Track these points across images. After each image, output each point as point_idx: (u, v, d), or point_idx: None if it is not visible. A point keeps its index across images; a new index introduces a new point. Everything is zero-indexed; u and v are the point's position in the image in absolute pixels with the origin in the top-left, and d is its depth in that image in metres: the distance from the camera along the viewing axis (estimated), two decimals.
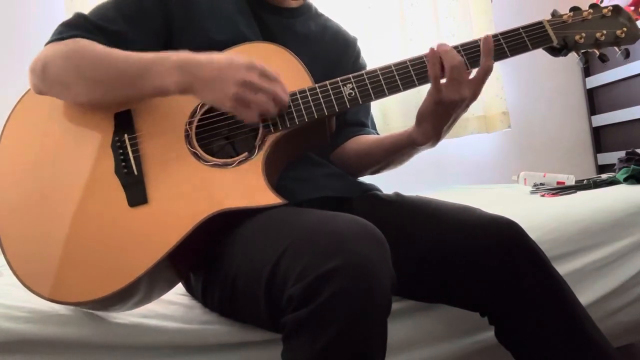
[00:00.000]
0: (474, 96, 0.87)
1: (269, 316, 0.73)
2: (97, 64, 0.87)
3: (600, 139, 2.56)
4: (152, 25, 0.95)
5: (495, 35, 0.91)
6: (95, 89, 0.88)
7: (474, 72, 0.88)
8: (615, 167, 1.72)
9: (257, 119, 0.83)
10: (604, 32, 0.94)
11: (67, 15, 1.91)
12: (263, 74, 0.82)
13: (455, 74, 0.85)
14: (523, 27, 0.92)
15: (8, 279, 0.93)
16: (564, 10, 0.97)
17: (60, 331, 0.81)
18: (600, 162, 2.55)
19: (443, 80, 0.86)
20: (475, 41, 0.90)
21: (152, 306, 0.89)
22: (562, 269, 1.03)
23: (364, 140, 1.06)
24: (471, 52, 0.89)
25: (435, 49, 0.87)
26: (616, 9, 0.95)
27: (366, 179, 1.09)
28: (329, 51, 1.07)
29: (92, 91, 0.88)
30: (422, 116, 0.90)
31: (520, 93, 2.49)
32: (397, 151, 1.00)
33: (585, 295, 1.08)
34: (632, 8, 2.30)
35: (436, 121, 0.88)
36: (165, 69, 0.83)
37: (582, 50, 0.96)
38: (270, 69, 0.83)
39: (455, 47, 0.88)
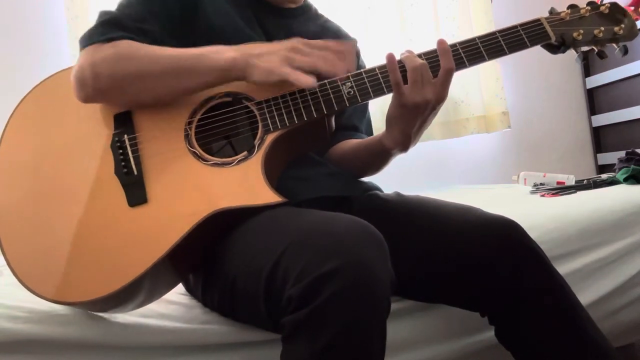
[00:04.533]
0: (439, 99, 0.87)
1: (269, 316, 0.73)
2: (154, 60, 0.87)
3: (600, 139, 2.56)
4: (172, 22, 0.94)
5: (492, 33, 0.92)
6: (158, 85, 0.88)
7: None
8: (615, 167, 1.71)
9: (311, 80, 0.84)
10: (602, 29, 0.94)
11: (67, 15, 1.92)
12: (308, 44, 0.87)
13: (416, 76, 0.85)
14: (521, 25, 0.93)
15: (8, 278, 0.93)
16: (563, 9, 0.97)
17: (60, 331, 0.81)
18: (600, 162, 2.55)
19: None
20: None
21: (152, 306, 0.89)
22: (562, 269, 1.03)
23: (346, 144, 1.07)
24: (433, 57, 0.89)
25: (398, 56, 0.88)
26: (614, 6, 0.95)
27: (366, 178, 1.09)
28: None
29: (154, 87, 0.88)
30: (390, 121, 0.90)
31: (520, 93, 2.49)
32: (370, 156, 1.01)
33: (585, 295, 1.08)
34: (632, 8, 2.30)
35: (403, 125, 0.88)
36: (221, 49, 0.87)
37: (581, 48, 0.96)
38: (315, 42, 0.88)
39: (419, 55, 0.89)
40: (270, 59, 0.85)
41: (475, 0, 2.31)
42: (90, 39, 0.89)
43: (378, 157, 1.00)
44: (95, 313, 0.84)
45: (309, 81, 0.84)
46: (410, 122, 0.88)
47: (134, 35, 0.89)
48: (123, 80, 0.87)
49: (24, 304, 0.82)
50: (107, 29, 0.89)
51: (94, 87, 0.86)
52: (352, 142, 1.06)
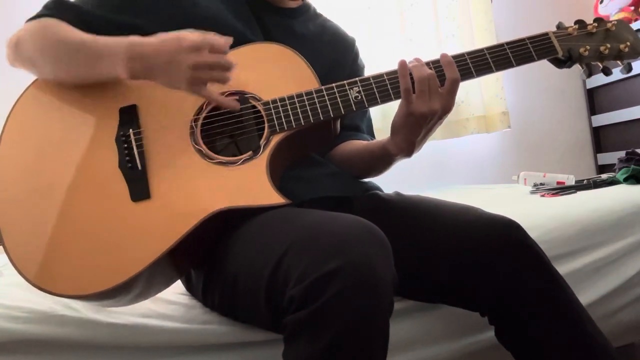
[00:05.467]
0: (446, 109, 0.88)
1: (270, 316, 0.73)
2: (56, 44, 0.88)
3: (600, 139, 2.56)
4: (133, 20, 0.93)
5: (500, 45, 0.93)
6: (57, 68, 0.90)
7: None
8: (615, 167, 1.72)
9: (233, 103, 0.87)
10: (608, 46, 0.95)
11: None
12: (212, 48, 0.83)
13: (423, 86, 0.86)
14: (529, 38, 0.94)
15: (8, 279, 0.94)
16: (565, 18, 0.97)
17: (60, 331, 0.81)
18: (600, 162, 2.55)
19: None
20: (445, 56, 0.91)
21: (153, 306, 0.89)
22: (562, 269, 1.03)
23: (349, 145, 1.07)
24: (441, 66, 0.89)
25: (407, 63, 0.88)
26: (620, 24, 0.96)
27: (367, 178, 1.09)
28: (327, 51, 1.07)
29: (55, 69, 0.90)
30: (395, 128, 0.91)
31: (520, 93, 2.49)
32: (373, 160, 1.01)
33: (585, 295, 1.08)
34: (632, 8, 2.30)
35: (408, 133, 0.89)
36: (117, 58, 0.84)
37: (585, 63, 0.96)
38: (217, 39, 0.84)
39: (427, 64, 0.89)
40: (174, 73, 0.83)
41: (475, 0, 2.31)
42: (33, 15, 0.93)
43: (381, 161, 1.00)
44: (94, 313, 0.84)
45: (230, 104, 0.87)
46: (415, 131, 0.89)
47: (62, 13, 0.90)
48: (33, 56, 0.90)
49: (24, 304, 0.82)
50: (42, 7, 0.93)
51: (14, 56, 0.92)
52: (355, 145, 1.06)
